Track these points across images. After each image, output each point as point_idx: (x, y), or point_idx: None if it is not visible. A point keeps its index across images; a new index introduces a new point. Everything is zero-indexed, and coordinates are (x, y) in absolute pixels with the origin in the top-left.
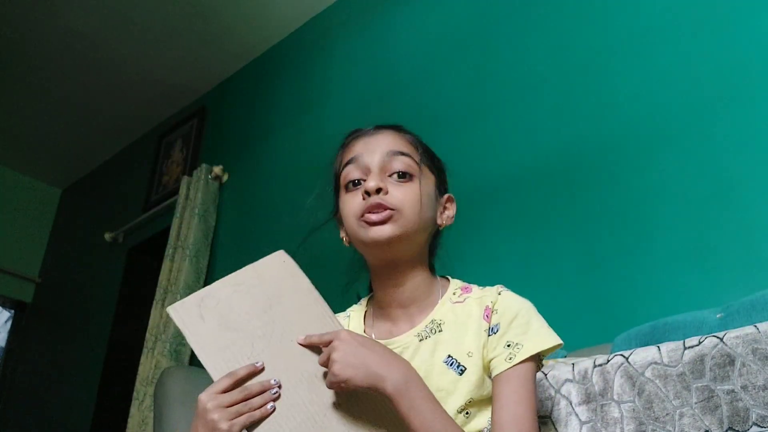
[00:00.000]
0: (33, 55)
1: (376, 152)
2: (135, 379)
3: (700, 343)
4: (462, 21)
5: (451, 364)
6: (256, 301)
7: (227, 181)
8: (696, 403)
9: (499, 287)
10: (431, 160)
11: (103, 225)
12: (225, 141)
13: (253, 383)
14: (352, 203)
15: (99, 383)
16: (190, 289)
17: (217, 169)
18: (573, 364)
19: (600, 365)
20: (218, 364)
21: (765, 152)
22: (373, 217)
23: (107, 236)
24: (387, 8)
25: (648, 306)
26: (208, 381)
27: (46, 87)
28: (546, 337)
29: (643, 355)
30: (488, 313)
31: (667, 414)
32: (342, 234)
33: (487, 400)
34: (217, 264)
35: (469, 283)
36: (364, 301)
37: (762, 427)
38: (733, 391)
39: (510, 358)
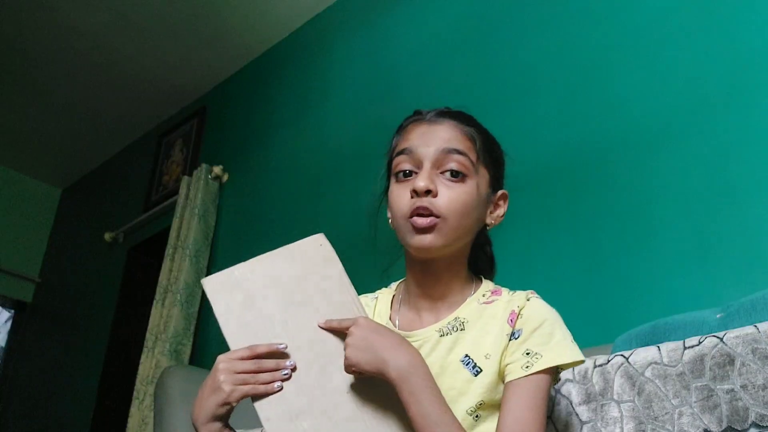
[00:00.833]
0: (33, 55)
1: (431, 146)
2: (135, 379)
3: (700, 343)
4: (462, 20)
5: (467, 364)
6: (286, 283)
7: (227, 181)
8: (695, 402)
9: (529, 293)
10: (490, 155)
11: (103, 225)
12: (225, 141)
13: (269, 360)
14: (401, 197)
15: (99, 383)
16: (190, 289)
17: (217, 169)
18: None
19: (600, 365)
20: (239, 340)
21: (765, 152)
22: (419, 222)
23: (107, 236)
24: (387, 8)
25: (648, 306)
26: None
27: (46, 87)
28: (567, 351)
29: (643, 355)
30: (513, 318)
31: (666, 413)
32: (389, 214)
33: (499, 404)
34: (217, 264)
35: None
36: (394, 285)
37: (761, 426)
38: (732, 390)
39: (527, 367)
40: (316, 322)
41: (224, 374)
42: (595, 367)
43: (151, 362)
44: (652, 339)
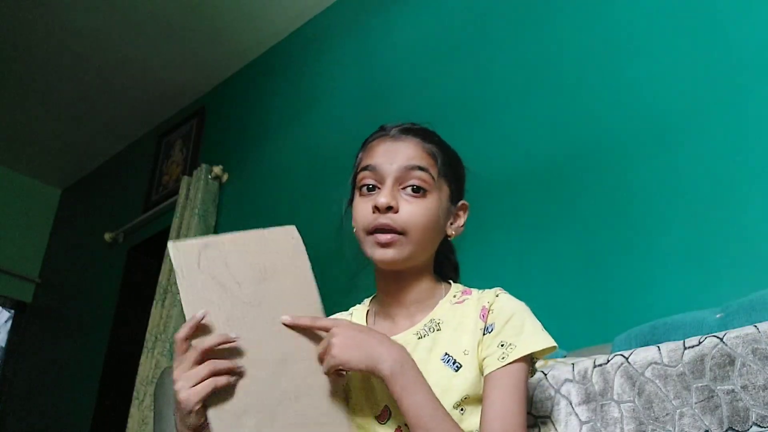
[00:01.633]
0: (33, 55)
1: (393, 163)
2: (135, 379)
3: (700, 343)
4: (459, 22)
5: (447, 362)
6: (254, 267)
7: (227, 181)
8: (696, 403)
9: (497, 289)
10: (450, 170)
11: (103, 225)
12: (225, 141)
13: (222, 362)
14: (363, 211)
15: (99, 383)
16: None
17: (217, 169)
18: (573, 364)
19: (600, 365)
20: (197, 311)
21: (765, 152)
22: (381, 238)
23: (107, 236)
24: (386, 9)
25: (648, 306)
26: None
27: (46, 87)
28: (539, 339)
29: (643, 355)
30: (484, 313)
31: (667, 414)
32: (353, 223)
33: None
34: None
35: (470, 286)
36: (367, 301)
37: (762, 427)
38: (733, 391)
39: (502, 358)
40: (278, 315)
41: (179, 386)
42: (594, 366)
43: (151, 362)
44: (652, 339)
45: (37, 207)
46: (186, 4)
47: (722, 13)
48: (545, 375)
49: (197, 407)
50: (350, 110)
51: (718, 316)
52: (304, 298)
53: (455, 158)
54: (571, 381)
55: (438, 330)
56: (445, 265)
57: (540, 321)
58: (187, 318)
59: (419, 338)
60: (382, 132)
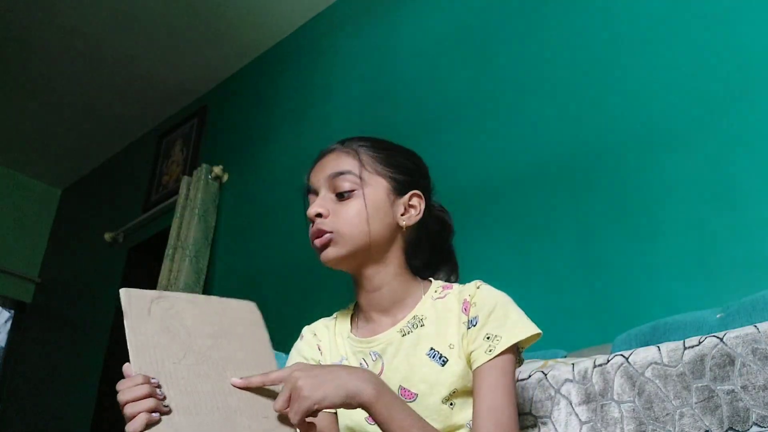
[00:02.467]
0: (33, 55)
1: (320, 179)
2: None
3: (700, 343)
4: (463, 21)
5: (433, 357)
6: (209, 324)
7: (227, 181)
8: (696, 403)
9: (477, 282)
10: (383, 164)
11: (103, 225)
12: (225, 141)
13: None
14: (310, 229)
15: (99, 383)
16: (189, 289)
17: (217, 169)
18: (573, 364)
19: (600, 365)
20: (143, 359)
21: (765, 152)
22: (316, 242)
23: (107, 236)
24: (388, 8)
25: (648, 306)
26: None
27: (46, 87)
28: (524, 328)
29: (643, 355)
30: (466, 306)
31: (667, 414)
32: None
33: (471, 391)
34: (217, 264)
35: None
36: (351, 306)
37: (762, 427)
38: (733, 391)
39: (490, 350)
40: (231, 371)
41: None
42: (594, 367)
43: None
44: (652, 339)
45: (37, 207)
46: (187, 4)
47: (723, 15)
48: (545, 375)
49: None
50: (351, 110)
51: (718, 316)
52: (260, 361)
53: (391, 150)
54: (571, 381)
55: (422, 326)
56: (444, 266)
57: (540, 321)
58: (131, 362)
59: (403, 335)
60: (320, 155)
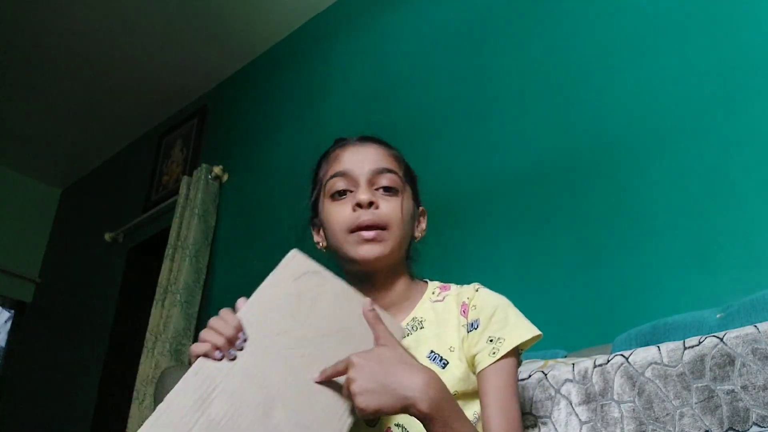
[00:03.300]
0: (33, 55)
1: (364, 166)
2: (135, 379)
3: (700, 343)
4: (461, 21)
5: (434, 359)
6: (335, 320)
7: (227, 181)
8: (696, 403)
9: (475, 285)
10: (410, 176)
11: (103, 225)
12: (225, 141)
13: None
14: (340, 213)
15: (99, 383)
16: (189, 289)
17: (217, 169)
18: (573, 364)
19: (600, 365)
20: (253, 311)
21: (765, 152)
22: (366, 234)
23: (107, 236)
24: (387, 8)
25: (648, 306)
26: None
27: (46, 87)
28: (526, 330)
29: (643, 355)
30: (465, 309)
31: (667, 414)
32: (317, 239)
33: (472, 394)
34: (216, 264)
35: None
36: None
37: (762, 427)
38: (733, 391)
39: (493, 353)
40: (309, 371)
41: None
42: (594, 367)
43: (151, 362)
44: (652, 339)
45: (37, 207)
46: (186, 4)
47: (724, 14)
48: (545, 375)
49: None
50: (351, 109)
51: (718, 316)
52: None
53: (409, 166)
54: (571, 381)
55: (421, 328)
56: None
57: (541, 321)
58: (246, 305)
59: (403, 337)
60: (341, 142)
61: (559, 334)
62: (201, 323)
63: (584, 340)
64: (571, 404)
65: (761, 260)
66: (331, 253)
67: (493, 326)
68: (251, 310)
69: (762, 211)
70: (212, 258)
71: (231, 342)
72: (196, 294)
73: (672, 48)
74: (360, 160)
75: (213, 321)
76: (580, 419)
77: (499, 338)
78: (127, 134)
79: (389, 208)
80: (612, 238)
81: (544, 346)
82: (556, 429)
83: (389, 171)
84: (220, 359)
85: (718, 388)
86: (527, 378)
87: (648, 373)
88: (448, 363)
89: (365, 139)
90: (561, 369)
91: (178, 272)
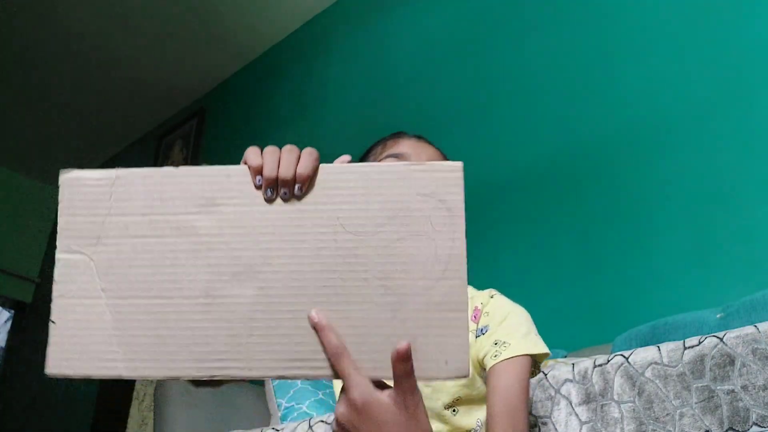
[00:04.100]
0: (33, 56)
1: (421, 156)
2: (135, 379)
3: (700, 343)
4: (462, 21)
5: None
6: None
7: None
8: (696, 403)
9: (491, 291)
10: None
11: None
12: (225, 141)
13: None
14: None
15: (99, 383)
16: None
17: None
18: (573, 364)
19: (600, 365)
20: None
21: (765, 153)
22: None
23: None
24: (387, 9)
25: (648, 306)
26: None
27: (46, 87)
28: (532, 344)
29: (643, 355)
30: (477, 314)
31: (667, 414)
32: None
33: (477, 400)
34: None
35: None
36: None
37: (762, 427)
38: (733, 391)
39: (495, 356)
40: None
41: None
42: (594, 366)
43: None
44: (652, 339)
45: (37, 207)
46: (186, 5)
47: (723, 15)
48: (545, 375)
49: None
50: (350, 110)
51: (718, 316)
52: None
53: None
54: (571, 381)
55: None
56: None
57: (540, 321)
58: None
59: None
60: (401, 133)
61: (559, 334)
62: None
63: (584, 340)
64: (571, 404)
65: (761, 260)
66: None
67: (501, 331)
68: (333, 169)
69: (762, 211)
70: None
71: (282, 183)
72: None
73: (673, 49)
74: (419, 152)
75: (282, 152)
76: (580, 419)
77: (504, 342)
78: (126, 134)
79: None
80: (612, 239)
81: None
82: (556, 429)
83: None
84: (258, 188)
85: (718, 388)
86: None
87: (648, 373)
88: None
89: (424, 138)
90: (561, 369)
91: None
